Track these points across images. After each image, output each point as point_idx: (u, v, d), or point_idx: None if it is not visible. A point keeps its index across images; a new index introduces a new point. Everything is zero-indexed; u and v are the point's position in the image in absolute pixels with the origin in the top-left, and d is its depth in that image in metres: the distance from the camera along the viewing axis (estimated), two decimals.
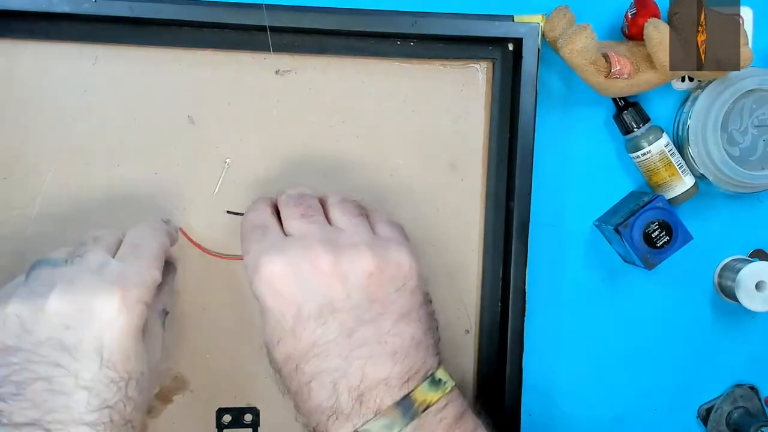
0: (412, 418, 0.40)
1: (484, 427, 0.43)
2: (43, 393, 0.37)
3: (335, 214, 0.45)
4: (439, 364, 0.44)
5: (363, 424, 0.40)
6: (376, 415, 0.40)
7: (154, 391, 0.45)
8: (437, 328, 0.45)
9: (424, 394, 0.41)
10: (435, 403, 0.41)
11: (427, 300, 0.45)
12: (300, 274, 0.41)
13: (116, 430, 0.39)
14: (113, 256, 0.43)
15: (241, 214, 0.48)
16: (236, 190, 0.53)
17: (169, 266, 0.50)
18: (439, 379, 0.42)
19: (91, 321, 0.39)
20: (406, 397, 0.40)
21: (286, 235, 0.44)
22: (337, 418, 0.40)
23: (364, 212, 0.47)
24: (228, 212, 0.52)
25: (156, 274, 0.43)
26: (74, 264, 0.41)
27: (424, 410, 0.40)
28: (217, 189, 0.53)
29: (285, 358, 0.42)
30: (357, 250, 0.42)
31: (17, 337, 0.38)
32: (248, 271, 0.43)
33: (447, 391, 0.42)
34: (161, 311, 0.47)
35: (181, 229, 0.52)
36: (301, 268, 0.41)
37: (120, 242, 0.45)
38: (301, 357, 0.41)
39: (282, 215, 0.45)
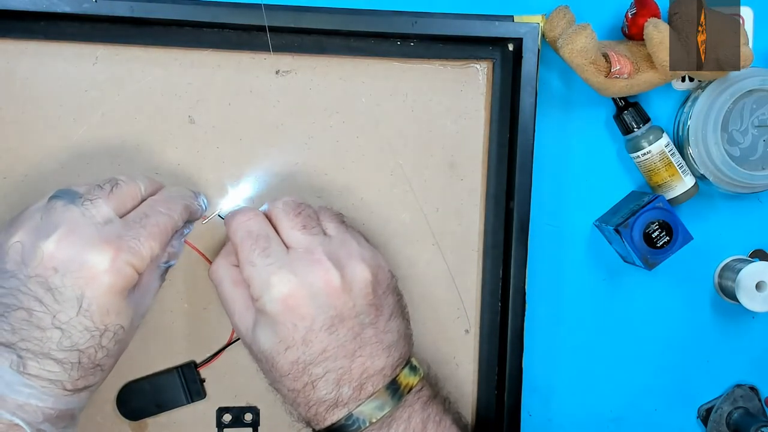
0: (399, 399, 0.45)
1: (449, 405, 0.50)
2: (23, 322, 0.40)
3: (326, 222, 0.48)
4: (411, 349, 0.49)
5: (357, 407, 0.45)
6: (369, 398, 0.45)
7: (130, 341, 0.46)
8: (409, 319, 0.50)
9: (406, 378, 0.47)
10: (415, 385, 0.47)
11: (400, 295, 0.49)
12: (312, 291, 0.44)
13: (83, 371, 0.41)
14: (125, 214, 0.44)
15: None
16: (237, 188, 0.53)
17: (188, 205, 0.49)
18: (415, 366, 0.48)
19: (79, 271, 0.40)
20: (393, 381, 0.46)
21: (286, 245, 0.46)
22: (336, 407, 0.45)
23: (342, 219, 0.50)
24: (220, 216, 0.52)
25: (155, 248, 0.43)
26: (84, 208, 0.42)
27: (408, 392, 0.46)
28: (208, 220, 0.53)
29: (293, 362, 0.44)
30: (356, 261, 0.46)
31: (15, 264, 0.41)
32: (256, 285, 0.44)
33: (421, 375, 0.48)
34: (164, 264, 0.47)
35: (186, 241, 0.52)
36: (313, 285, 0.44)
37: (136, 199, 0.45)
38: (310, 361, 0.44)
39: (280, 225, 0.47)
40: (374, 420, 0.45)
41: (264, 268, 0.44)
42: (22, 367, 0.40)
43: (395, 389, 0.45)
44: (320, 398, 0.45)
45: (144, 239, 0.43)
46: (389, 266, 0.49)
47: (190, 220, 0.49)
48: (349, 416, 0.45)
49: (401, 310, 0.49)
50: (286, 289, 0.43)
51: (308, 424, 0.47)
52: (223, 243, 0.52)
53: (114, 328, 0.42)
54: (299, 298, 0.44)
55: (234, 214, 0.47)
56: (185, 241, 0.52)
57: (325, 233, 0.47)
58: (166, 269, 0.48)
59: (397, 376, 0.46)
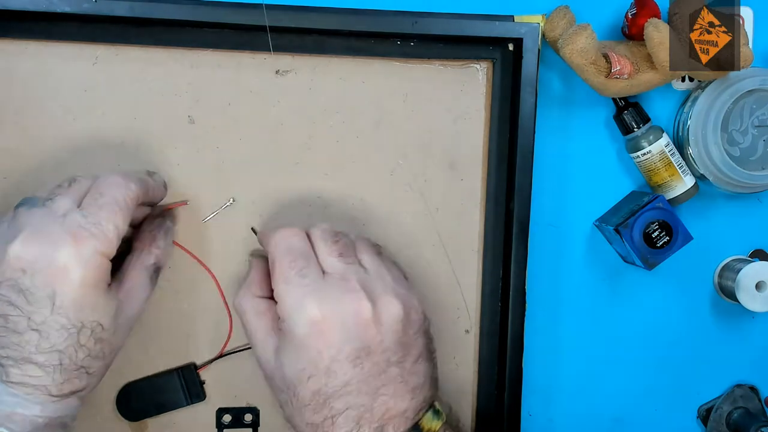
0: None
1: None
2: (0, 329, 0.40)
3: (362, 254, 0.47)
4: (437, 392, 0.48)
5: None
6: None
7: (120, 344, 0.45)
8: (437, 364, 0.49)
9: (429, 422, 0.45)
10: (437, 430, 0.45)
11: (431, 338, 0.48)
12: (344, 318, 0.43)
13: (66, 373, 0.41)
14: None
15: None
16: (237, 188, 0.53)
17: (163, 221, 0.49)
18: (438, 409, 0.46)
19: (47, 268, 0.40)
20: (416, 425, 0.44)
21: (323, 271, 0.45)
22: None
23: (379, 250, 0.49)
24: (253, 230, 0.53)
25: (118, 225, 0.42)
26: (45, 207, 0.43)
27: None
28: (209, 217, 0.53)
29: (314, 393, 0.43)
30: (389, 296, 0.45)
31: None
32: (287, 305, 0.44)
33: (444, 420, 0.46)
34: (151, 265, 0.47)
35: (175, 242, 0.52)
36: (345, 312, 0.43)
37: None
38: (332, 394, 0.43)
39: (318, 249, 0.46)
40: None
41: (298, 287, 0.43)
42: (5, 375, 0.39)
43: None
44: None
45: (104, 221, 0.42)
46: (423, 308, 0.47)
47: (151, 201, 0.48)
48: None
49: (430, 354, 0.47)
50: (317, 312, 0.43)
51: None
52: (221, 248, 0.53)
53: (91, 325, 0.41)
54: (329, 324, 0.43)
55: (279, 229, 0.47)
56: (174, 243, 0.52)
57: (360, 264, 0.46)
58: (155, 271, 0.48)
59: (420, 420, 0.44)
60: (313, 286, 0.44)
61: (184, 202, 0.52)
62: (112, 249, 0.42)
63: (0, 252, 0.41)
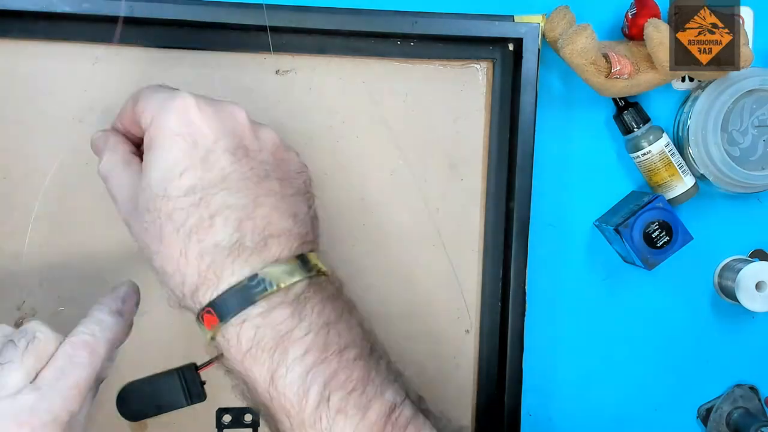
0: (308, 273, 0.40)
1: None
2: None
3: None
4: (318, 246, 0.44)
5: (263, 267, 0.39)
6: (277, 261, 0.39)
7: None
8: (316, 216, 0.45)
9: (317, 260, 0.42)
10: (324, 274, 0.42)
11: (311, 193, 0.45)
12: (218, 113, 0.40)
13: None
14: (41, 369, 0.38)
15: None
16: None
17: (116, 323, 0.43)
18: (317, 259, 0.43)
19: None
20: (303, 255, 0.41)
21: None
22: (238, 256, 0.39)
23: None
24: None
25: (73, 408, 0.37)
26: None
27: (318, 274, 0.41)
28: None
29: (188, 189, 0.38)
30: (268, 128, 0.43)
31: None
32: (150, 108, 0.40)
33: (330, 272, 0.43)
34: (96, 385, 0.42)
35: None
36: (223, 110, 0.41)
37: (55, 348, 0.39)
38: (208, 188, 0.39)
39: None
40: (282, 285, 0.38)
41: (162, 96, 0.40)
42: None
43: (305, 262, 0.40)
44: (217, 242, 0.38)
45: (59, 409, 0.37)
46: (304, 164, 0.45)
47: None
48: (254, 276, 0.38)
49: (308, 203, 0.43)
50: (189, 102, 0.39)
51: (196, 297, 0.39)
52: None
53: None
54: (202, 113, 0.39)
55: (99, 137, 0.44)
56: None
57: None
58: (99, 385, 0.43)
59: (308, 253, 0.41)
60: (186, 93, 0.40)
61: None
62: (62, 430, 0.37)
63: None
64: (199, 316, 0.39)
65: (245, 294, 0.38)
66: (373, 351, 0.42)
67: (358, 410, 0.39)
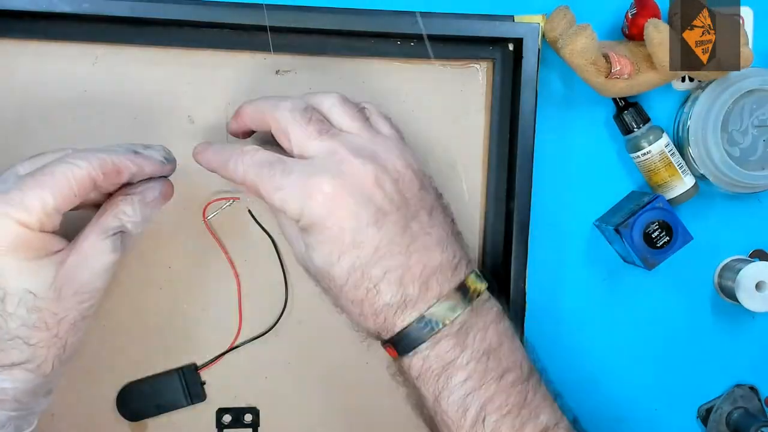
0: (470, 302, 0.43)
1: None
2: None
3: (345, 121, 0.45)
4: (470, 257, 0.47)
5: (428, 309, 0.42)
6: (438, 300, 0.43)
7: (74, 314, 0.42)
8: (454, 219, 0.48)
9: (474, 283, 0.44)
10: (483, 293, 0.45)
11: (439, 194, 0.47)
12: (350, 188, 0.42)
13: (0, 343, 0.39)
14: None
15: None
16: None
17: (145, 189, 0.44)
18: (480, 274, 0.46)
19: None
20: (462, 284, 0.44)
21: (305, 157, 0.43)
22: (405, 309, 0.43)
23: (363, 112, 0.47)
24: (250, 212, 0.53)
25: (45, 197, 0.39)
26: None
27: (477, 297, 0.44)
28: (211, 216, 0.53)
29: (350, 269, 0.42)
30: (385, 157, 0.44)
31: None
32: (292, 205, 0.42)
33: (486, 285, 0.46)
34: (112, 229, 0.42)
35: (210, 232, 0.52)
36: (349, 182, 0.42)
37: None
38: (366, 263, 0.42)
39: (294, 136, 0.43)
40: (447, 322, 0.42)
41: (293, 184, 0.42)
42: None
43: (465, 292, 0.43)
44: (386, 303, 0.43)
45: (28, 188, 0.39)
46: (420, 166, 0.46)
47: (145, 177, 0.44)
48: (421, 318, 0.42)
49: (443, 208, 0.46)
50: (321, 193, 0.41)
51: (379, 336, 0.45)
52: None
53: (17, 292, 0.39)
54: (338, 198, 0.41)
55: (233, 153, 0.44)
56: (205, 223, 0.52)
57: (342, 130, 0.44)
58: (118, 235, 0.43)
59: (464, 279, 0.44)
60: (305, 174, 0.42)
61: (236, 198, 0.52)
62: (31, 219, 0.39)
63: None
64: (383, 345, 0.45)
65: (416, 335, 0.43)
66: (532, 374, 0.46)
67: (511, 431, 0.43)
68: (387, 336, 0.44)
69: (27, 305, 0.40)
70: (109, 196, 0.44)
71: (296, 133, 0.43)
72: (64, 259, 0.41)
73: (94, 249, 0.42)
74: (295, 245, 0.46)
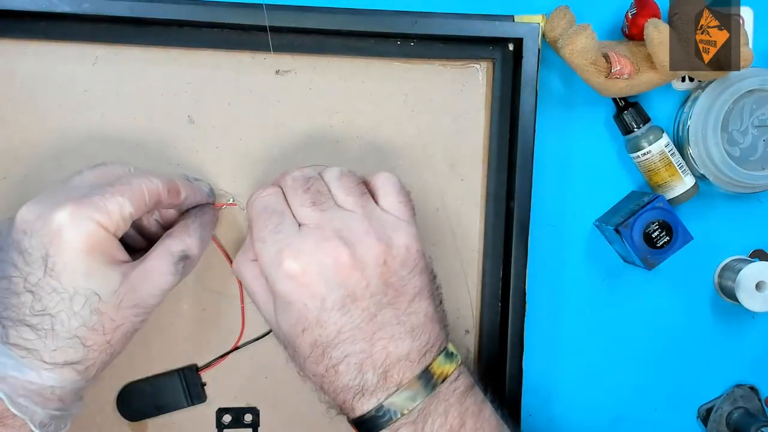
0: (432, 388, 0.43)
1: (488, 399, 0.47)
2: (4, 291, 0.40)
3: (340, 195, 0.46)
4: (448, 336, 0.47)
5: (387, 398, 0.43)
6: (398, 389, 0.43)
7: (128, 326, 0.43)
8: (442, 301, 0.48)
9: (441, 366, 0.44)
10: (450, 374, 0.45)
11: (433, 276, 0.48)
12: (322, 268, 0.42)
13: (59, 340, 0.40)
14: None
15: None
16: (236, 188, 0.53)
17: (202, 213, 0.49)
18: (451, 352, 0.46)
19: (42, 230, 0.40)
20: (426, 370, 0.44)
21: (299, 223, 0.44)
22: (363, 395, 0.43)
23: (364, 188, 0.47)
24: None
25: (123, 204, 0.42)
26: (70, 180, 0.44)
27: (442, 382, 0.44)
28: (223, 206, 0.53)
29: (311, 345, 0.43)
30: (370, 239, 0.43)
31: (3, 238, 0.42)
32: (265, 263, 0.43)
33: (458, 363, 0.46)
34: (177, 252, 0.45)
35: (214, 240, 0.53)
36: (323, 262, 0.42)
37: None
38: (327, 344, 0.43)
39: (290, 201, 0.45)
40: (405, 411, 0.43)
41: (273, 244, 0.43)
42: (5, 337, 0.40)
43: (428, 379, 0.43)
44: (345, 385, 0.43)
45: (110, 195, 0.41)
46: (419, 246, 0.45)
47: (189, 205, 0.48)
48: (380, 408, 0.43)
49: (431, 292, 0.46)
50: (294, 266, 0.42)
51: (341, 411, 0.45)
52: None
53: (85, 293, 0.40)
54: (308, 276, 0.42)
55: (255, 191, 0.46)
56: (213, 239, 0.52)
57: (339, 206, 0.45)
58: (182, 259, 0.45)
59: (430, 364, 0.44)
60: (287, 240, 0.43)
61: (233, 203, 0.53)
62: (111, 222, 0.41)
63: (11, 218, 0.42)
64: (348, 421, 0.46)
65: (374, 423, 0.43)
66: None
67: None
68: (348, 415, 0.45)
69: (91, 306, 0.41)
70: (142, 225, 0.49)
71: (294, 199, 0.45)
72: (129, 271, 0.43)
73: (160, 269, 0.44)
74: (263, 308, 0.47)
